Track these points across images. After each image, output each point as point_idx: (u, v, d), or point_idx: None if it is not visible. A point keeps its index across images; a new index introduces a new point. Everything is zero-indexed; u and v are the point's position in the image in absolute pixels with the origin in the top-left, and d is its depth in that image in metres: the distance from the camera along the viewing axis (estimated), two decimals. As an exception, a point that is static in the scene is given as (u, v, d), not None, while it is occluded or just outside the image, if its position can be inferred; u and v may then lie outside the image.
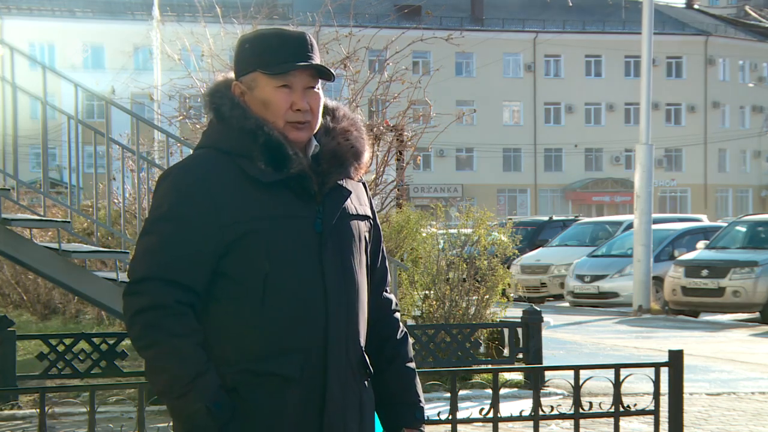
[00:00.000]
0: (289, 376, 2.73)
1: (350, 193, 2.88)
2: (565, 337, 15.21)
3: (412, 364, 3.04)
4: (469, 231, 11.80)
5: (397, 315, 3.06)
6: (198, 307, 2.75)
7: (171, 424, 2.80)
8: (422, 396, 3.03)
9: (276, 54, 2.80)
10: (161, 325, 2.69)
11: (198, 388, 2.66)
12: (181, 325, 2.70)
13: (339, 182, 2.85)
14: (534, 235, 26.65)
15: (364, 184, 3.00)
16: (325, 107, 2.93)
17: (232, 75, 2.90)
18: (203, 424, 2.67)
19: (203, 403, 2.66)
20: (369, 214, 2.96)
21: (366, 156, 2.92)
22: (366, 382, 2.90)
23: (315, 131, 2.87)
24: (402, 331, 3.04)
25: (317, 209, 2.80)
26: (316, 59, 2.84)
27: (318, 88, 2.85)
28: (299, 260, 2.76)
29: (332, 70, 2.88)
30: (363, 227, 2.91)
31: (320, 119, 2.87)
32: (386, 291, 3.04)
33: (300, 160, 2.78)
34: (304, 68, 2.81)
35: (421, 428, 3.00)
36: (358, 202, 2.92)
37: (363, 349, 2.89)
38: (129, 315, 2.74)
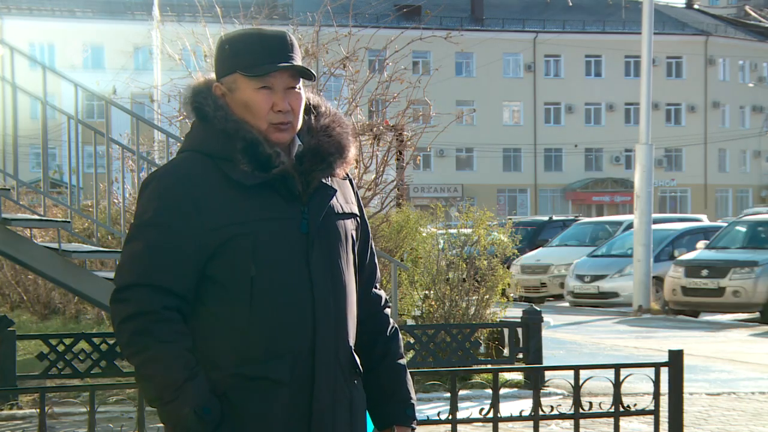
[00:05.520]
0: (279, 379, 2.73)
1: (335, 191, 2.86)
2: (565, 337, 15.21)
3: (403, 361, 3.03)
4: (468, 231, 11.81)
5: (387, 311, 3.05)
6: (186, 311, 2.74)
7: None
8: (413, 393, 3.01)
9: (255, 55, 2.78)
10: (149, 332, 2.68)
11: (187, 392, 2.66)
12: (168, 331, 2.69)
13: (324, 181, 2.83)
14: (534, 235, 26.64)
15: (350, 180, 2.99)
16: (308, 105, 2.90)
17: (213, 76, 2.88)
18: (193, 428, 2.67)
19: (192, 408, 2.66)
20: (356, 211, 2.94)
21: (351, 152, 2.90)
22: (356, 381, 2.89)
23: (298, 131, 2.85)
24: (392, 327, 3.03)
25: (303, 210, 2.79)
26: (297, 59, 2.82)
27: (299, 88, 2.83)
28: (286, 262, 2.75)
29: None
30: (350, 225, 2.90)
31: (302, 119, 2.85)
32: (376, 288, 3.03)
33: (282, 160, 2.77)
34: (284, 69, 2.79)
35: (413, 425, 2.98)
36: (344, 200, 2.90)
37: (352, 348, 2.88)
38: (117, 322, 2.74)
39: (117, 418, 8.26)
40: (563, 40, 64.17)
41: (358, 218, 2.95)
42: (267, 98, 2.79)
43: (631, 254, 20.09)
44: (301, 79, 2.84)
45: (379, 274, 3.09)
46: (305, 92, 2.87)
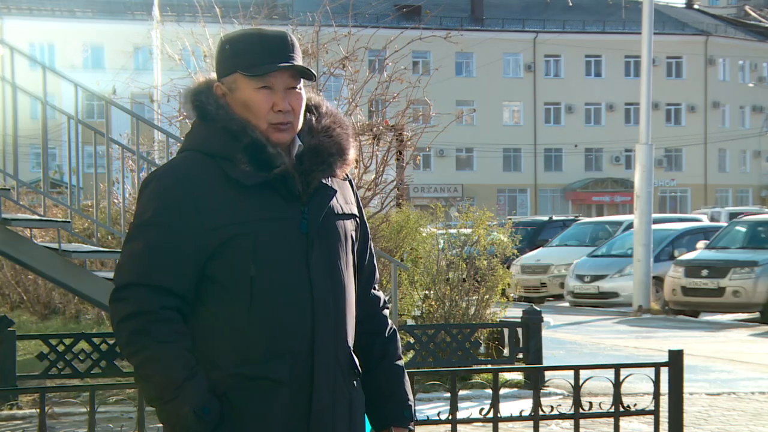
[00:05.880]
0: (279, 379, 2.73)
1: (335, 192, 2.86)
2: (565, 337, 15.21)
3: (401, 362, 3.03)
4: (468, 231, 11.81)
5: (386, 312, 3.05)
6: (186, 311, 2.74)
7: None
8: (411, 394, 3.01)
9: (256, 55, 2.78)
10: (148, 331, 2.68)
11: (186, 392, 2.66)
12: (167, 331, 2.69)
13: (324, 181, 2.83)
14: (534, 235, 26.65)
15: (350, 181, 2.99)
16: (309, 104, 2.90)
17: (214, 76, 2.88)
18: (192, 428, 2.67)
19: (191, 408, 2.66)
20: (355, 212, 2.94)
21: (351, 153, 2.90)
22: (355, 382, 2.90)
23: (298, 131, 2.85)
24: (391, 328, 3.03)
25: (302, 210, 2.79)
26: (297, 59, 2.82)
27: (300, 88, 2.83)
28: (285, 262, 2.75)
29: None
30: (349, 226, 2.90)
31: (302, 119, 2.85)
32: (374, 288, 3.03)
33: (283, 161, 2.77)
34: (284, 69, 2.79)
35: (410, 426, 2.99)
36: (344, 200, 2.90)
37: (351, 349, 2.88)
38: (116, 321, 2.74)
39: (117, 418, 8.27)
40: (563, 40, 64.18)
41: (357, 219, 2.95)
42: (267, 98, 2.79)
43: (631, 254, 20.10)
44: (302, 80, 2.84)
45: (378, 275, 3.09)
46: (306, 92, 2.87)
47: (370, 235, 3.05)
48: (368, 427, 2.98)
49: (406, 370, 3.04)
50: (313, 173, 2.81)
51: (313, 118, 2.90)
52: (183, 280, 2.73)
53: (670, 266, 19.79)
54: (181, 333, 2.71)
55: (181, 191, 2.74)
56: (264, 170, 2.75)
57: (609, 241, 23.03)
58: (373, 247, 3.06)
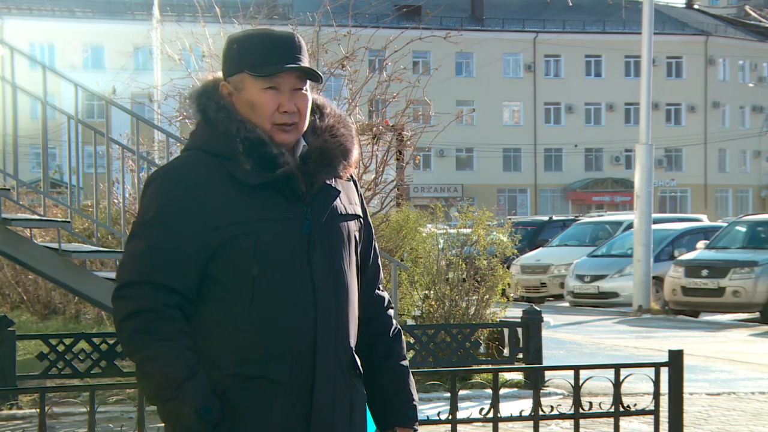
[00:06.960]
0: (278, 379, 2.72)
1: (339, 192, 2.86)
2: (565, 337, 15.21)
3: (406, 362, 3.02)
4: (468, 231, 11.81)
5: (390, 312, 3.05)
6: (187, 310, 2.74)
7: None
8: (416, 395, 3.01)
9: (263, 55, 2.78)
10: (149, 330, 2.68)
11: (187, 391, 2.66)
12: (169, 329, 2.69)
13: (327, 182, 2.83)
14: (534, 235, 26.65)
15: (354, 181, 2.99)
16: (313, 105, 2.90)
17: (220, 74, 2.88)
18: (193, 427, 2.67)
19: (192, 407, 2.66)
20: (359, 213, 2.94)
21: (354, 153, 2.90)
22: (356, 382, 2.89)
23: (303, 132, 2.85)
24: (395, 328, 3.03)
25: (305, 210, 2.79)
26: (304, 60, 2.82)
27: (306, 89, 2.82)
28: (288, 263, 2.74)
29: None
30: (353, 227, 2.90)
31: (308, 120, 2.85)
32: (379, 288, 3.03)
33: (287, 161, 2.77)
34: (291, 70, 2.79)
35: (414, 427, 2.98)
36: (347, 201, 2.90)
37: (353, 349, 2.88)
38: (117, 319, 2.74)
39: (117, 418, 8.27)
40: (563, 40, 64.17)
41: (361, 219, 2.95)
42: (273, 99, 2.79)
43: (631, 254, 20.10)
44: (308, 81, 2.84)
45: (382, 274, 3.09)
46: (311, 93, 2.87)
47: (374, 236, 3.04)
48: (372, 427, 2.97)
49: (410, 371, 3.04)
50: (317, 174, 2.81)
51: (317, 119, 2.90)
52: (185, 279, 2.73)
53: (670, 266, 19.79)
54: (183, 332, 2.71)
55: (183, 191, 2.74)
56: (268, 170, 2.75)
57: (609, 241, 23.03)
58: (377, 248, 3.06)
